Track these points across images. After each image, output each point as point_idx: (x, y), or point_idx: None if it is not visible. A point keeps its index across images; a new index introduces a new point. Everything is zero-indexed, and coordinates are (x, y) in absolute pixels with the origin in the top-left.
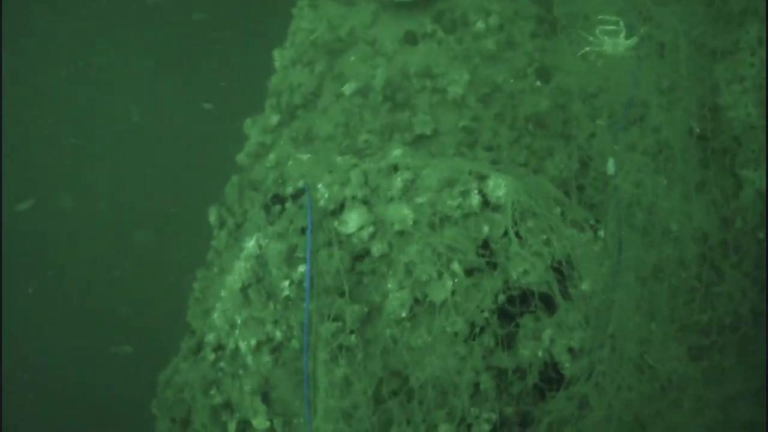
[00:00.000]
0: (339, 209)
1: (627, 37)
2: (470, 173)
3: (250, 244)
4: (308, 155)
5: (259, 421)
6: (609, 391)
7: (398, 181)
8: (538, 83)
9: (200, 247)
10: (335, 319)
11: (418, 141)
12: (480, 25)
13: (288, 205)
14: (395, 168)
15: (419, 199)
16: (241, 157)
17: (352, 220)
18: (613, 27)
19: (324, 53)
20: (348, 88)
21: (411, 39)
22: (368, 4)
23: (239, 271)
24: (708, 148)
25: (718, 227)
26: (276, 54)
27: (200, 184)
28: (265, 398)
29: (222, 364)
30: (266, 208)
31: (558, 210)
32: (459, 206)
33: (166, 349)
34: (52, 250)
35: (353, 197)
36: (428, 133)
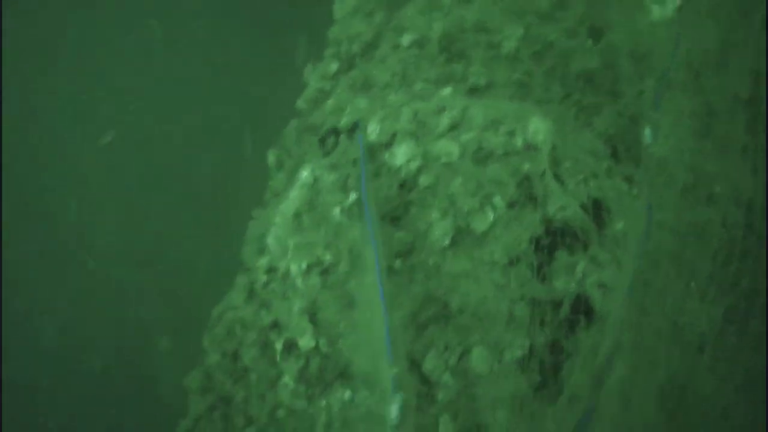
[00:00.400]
0: (390, 142)
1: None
2: (515, 114)
3: (305, 173)
4: (366, 101)
5: (306, 341)
6: (639, 345)
7: (445, 119)
8: (590, 42)
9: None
10: (383, 244)
11: (472, 92)
12: None
13: (342, 137)
14: (444, 107)
15: (465, 136)
16: (300, 103)
17: (401, 153)
18: None
19: (383, 4)
20: (406, 39)
21: None
22: None
23: (294, 198)
24: (754, 113)
25: (761, 193)
26: (337, 4)
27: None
28: (312, 319)
29: (273, 285)
30: (321, 140)
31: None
32: (502, 144)
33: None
34: None
35: (403, 131)
36: (482, 84)
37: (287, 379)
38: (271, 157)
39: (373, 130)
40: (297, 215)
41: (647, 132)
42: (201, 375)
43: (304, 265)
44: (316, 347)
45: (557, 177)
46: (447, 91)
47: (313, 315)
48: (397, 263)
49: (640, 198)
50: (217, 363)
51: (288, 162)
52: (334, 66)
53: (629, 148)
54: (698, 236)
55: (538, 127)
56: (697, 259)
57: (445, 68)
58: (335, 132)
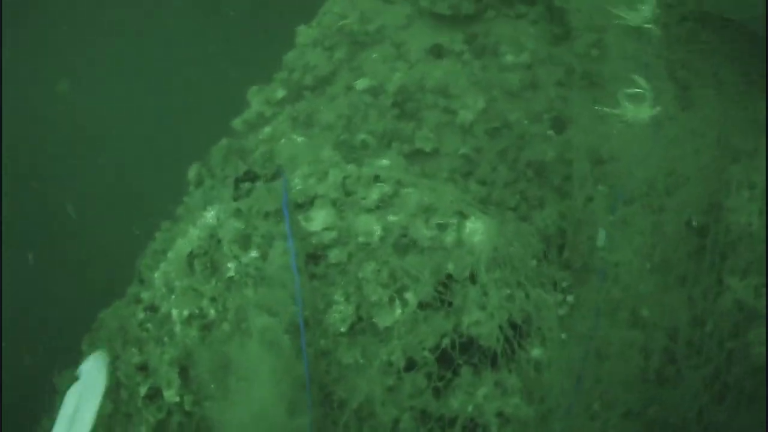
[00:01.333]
0: (308, 203)
1: (651, 106)
2: (452, 206)
3: (210, 214)
4: (303, 139)
5: (170, 394)
6: None
7: (375, 193)
8: (551, 131)
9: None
10: (272, 314)
11: (415, 155)
12: (509, 57)
13: (258, 184)
14: (377, 178)
15: (392, 218)
16: (237, 122)
17: (318, 219)
18: (639, 91)
19: (347, 42)
20: (361, 83)
21: (437, 52)
22: (404, 6)
23: (191, 238)
24: (701, 245)
25: (688, 324)
26: (300, 30)
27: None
28: (183, 373)
29: (149, 325)
30: (236, 182)
31: (533, 263)
32: (430, 237)
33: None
34: None
35: (326, 196)
36: (427, 150)
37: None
38: (192, 173)
39: (295, 185)
40: (191, 256)
41: (602, 234)
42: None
43: (186, 313)
44: (180, 404)
45: (482, 286)
46: (384, 161)
47: (184, 369)
48: (285, 338)
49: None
50: None
51: (208, 181)
52: (280, 93)
53: (565, 252)
54: (616, 358)
55: (476, 228)
56: (614, 383)
57: (394, 124)
58: (252, 176)
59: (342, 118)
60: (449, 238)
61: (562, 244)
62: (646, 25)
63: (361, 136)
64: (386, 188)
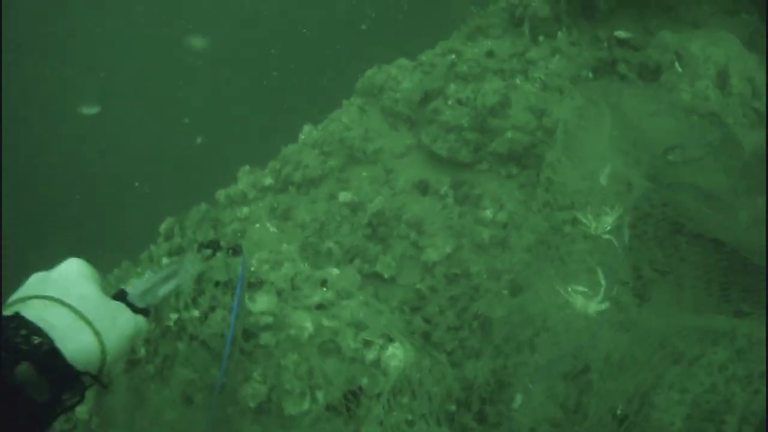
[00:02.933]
0: (257, 286)
1: (601, 302)
2: (382, 328)
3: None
4: (274, 230)
5: (81, 411)
6: None
7: (317, 296)
8: (506, 293)
9: None
10: (195, 371)
11: (373, 277)
12: (488, 213)
13: (219, 254)
14: (324, 283)
15: (326, 322)
16: (220, 194)
17: (262, 302)
18: (595, 285)
19: (344, 154)
20: (344, 196)
21: (423, 188)
22: (407, 136)
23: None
24: None
25: None
26: (305, 128)
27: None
28: (98, 395)
29: None
30: (199, 246)
31: (451, 407)
32: (354, 349)
33: None
34: None
35: (274, 285)
36: (385, 276)
37: None
38: (164, 225)
39: (250, 266)
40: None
41: (518, 399)
42: None
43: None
44: (88, 421)
45: (386, 405)
46: (335, 270)
47: (99, 393)
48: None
49: None
50: None
51: (176, 239)
52: (268, 180)
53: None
54: None
55: (396, 354)
56: None
57: (362, 242)
58: (215, 246)
59: (316, 221)
60: (371, 355)
61: (485, 398)
62: (606, 236)
63: (329, 243)
64: (329, 294)
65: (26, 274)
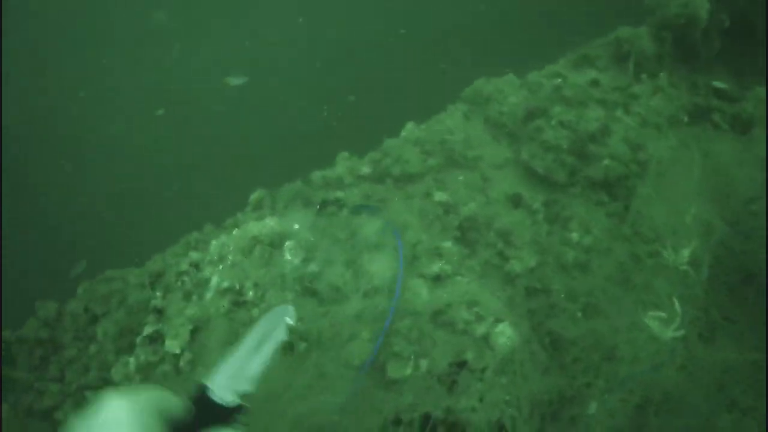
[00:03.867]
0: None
1: (676, 330)
2: (493, 305)
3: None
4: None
5: (173, 344)
6: None
7: (436, 266)
8: (580, 314)
9: None
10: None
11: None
12: (574, 235)
13: (343, 212)
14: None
15: (441, 293)
16: (316, 174)
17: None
18: (671, 313)
19: (444, 156)
20: (439, 196)
21: (516, 201)
22: (506, 150)
23: (265, 225)
24: None
25: None
26: (408, 125)
27: None
28: (194, 332)
29: (186, 279)
30: (322, 203)
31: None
32: (466, 321)
33: None
34: None
35: None
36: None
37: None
38: (255, 196)
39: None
40: (254, 240)
41: (593, 405)
42: None
43: (225, 285)
44: (178, 357)
45: (488, 381)
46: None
47: (197, 329)
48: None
49: None
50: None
51: (267, 210)
52: (366, 169)
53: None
54: None
55: (505, 331)
56: None
57: (458, 247)
58: (340, 205)
59: (413, 218)
60: (481, 329)
61: (545, 415)
62: (684, 267)
63: (423, 244)
64: (446, 267)
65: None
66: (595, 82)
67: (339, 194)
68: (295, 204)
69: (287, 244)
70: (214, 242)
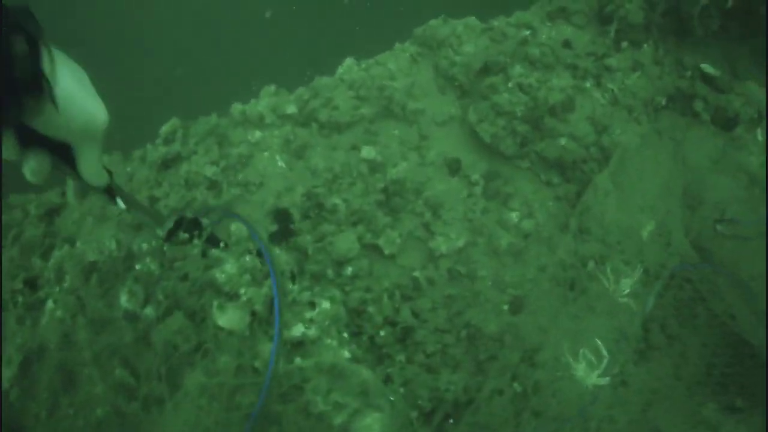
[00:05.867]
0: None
1: (601, 375)
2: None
3: None
4: (283, 165)
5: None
6: None
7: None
8: (506, 307)
9: None
10: None
11: (371, 249)
12: (513, 216)
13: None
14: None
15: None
16: (235, 108)
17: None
18: (596, 358)
19: (380, 104)
20: (367, 152)
21: (454, 169)
22: (453, 106)
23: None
24: None
25: None
26: (347, 62)
27: None
28: None
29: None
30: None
31: None
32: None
33: None
34: None
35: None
36: (386, 252)
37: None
38: (166, 128)
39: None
40: None
41: None
42: None
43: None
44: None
45: None
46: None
47: None
48: None
49: None
50: None
51: (174, 146)
52: (291, 109)
53: None
54: None
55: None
56: None
57: (371, 208)
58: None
59: (330, 171)
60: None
61: (449, 414)
62: (623, 299)
63: (336, 199)
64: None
65: None
66: (567, 43)
67: (257, 134)
68: (209, 142)
69: (127, 283)
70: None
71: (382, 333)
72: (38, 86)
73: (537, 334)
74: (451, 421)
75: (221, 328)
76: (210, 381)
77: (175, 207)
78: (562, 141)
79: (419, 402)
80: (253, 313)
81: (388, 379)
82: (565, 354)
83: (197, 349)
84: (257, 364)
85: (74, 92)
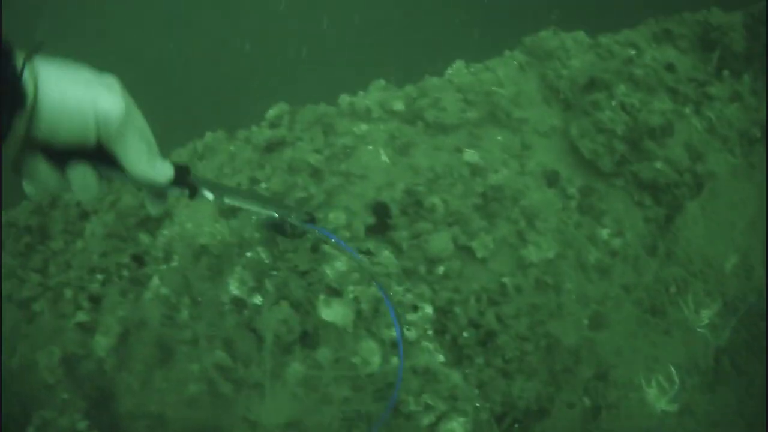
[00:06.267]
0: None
1: (670, 402)
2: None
3: None
4: (387, 159)
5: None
6: None
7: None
8: (586, 322)
9: None
10: None
11: (464, 251)
12: (604, 232)
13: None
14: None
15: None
16: (343, 99)
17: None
18: (668, 384)
19: (486, 110)
20: (470, 155)
21: (551, 180)
22: (555, 118)
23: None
24: None
25: None
26: (456, 65)
27: None
28: None
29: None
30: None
31: None
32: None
33: None
34: None
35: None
36: (478, 255)
37: None
38: (273, 112)
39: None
40: None
41: None
42: None
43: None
44: None
45: None
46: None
47: None
48: None
49: None
50: None
51: (281, 131)
52: (399, 106)
53: None
54: None
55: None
56: None
57: (468, 210)
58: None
59: (432, 170)
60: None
61: (518, 420)
62: (701, 330)
63: (434, 199)
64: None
65: None
66: (670, 67)
67: (363, 127)
68: (315, 130)
69: (237, 270)
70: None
71: (465, 334)
72: (16, 94)
73: (613, 352)
74: (517, 426)
75: (325, 322)
76: (308, 372)
77: (277, 191)
78: (658, 164)
79: (491, 405)
80: (359, 312)
81: (464, 380)
82: (638, 375)
83: (299, 339)
84: (356, 360)
85: (66, 91)
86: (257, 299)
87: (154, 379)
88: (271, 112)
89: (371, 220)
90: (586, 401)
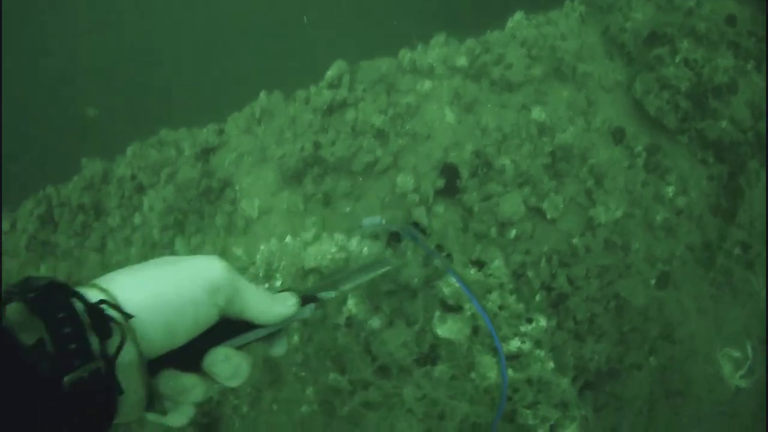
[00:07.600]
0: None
1: (744, 376)
2: None
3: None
4: (453, 119)
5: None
6: None
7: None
8: (653, 281)
9: None
10: None
11: (535, 212)
12: (669, 190)
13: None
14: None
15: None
16: (404, 55)
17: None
18: (740, 358)
19: (552, 66)
20: (537, 113)
21: (618, 137)
22: (620, 71)
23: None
24: None
25: None
26: (517, 16)
27: None
28: None
29: None
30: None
31: None
32: None
33: None
34: None
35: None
36: (548, 216)
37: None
38: (332, 71)
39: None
40: None
41: None
42: None
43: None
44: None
45: None
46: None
47: None
48: None
49: None
50: None
51: (341, 92)
52: (462, 61)
53: None
54: None
55: None
56: None
57: (537, 171)
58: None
59: (499, 130)
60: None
61: (590, 382)
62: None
63: (505, 160)
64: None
65: None
66: (731, 20)
67: (427, 84)
68: (377, 89)
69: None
70: (262, 248)
71: (537, 298)
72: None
73: (678, 311)
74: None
75: (440, 338)
76: (424, 389)
77: (342, 156)
78: (723, 123)
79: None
80: (475, 328)
81: (537, 345)
82: (705, 340)
83: (415, 356)
84: (473, 375)
85: (151, 303)
86: (374, 321)
87: (263, 400)
88: (330, 72)
89: (440, 182)
90: (652, 361)
